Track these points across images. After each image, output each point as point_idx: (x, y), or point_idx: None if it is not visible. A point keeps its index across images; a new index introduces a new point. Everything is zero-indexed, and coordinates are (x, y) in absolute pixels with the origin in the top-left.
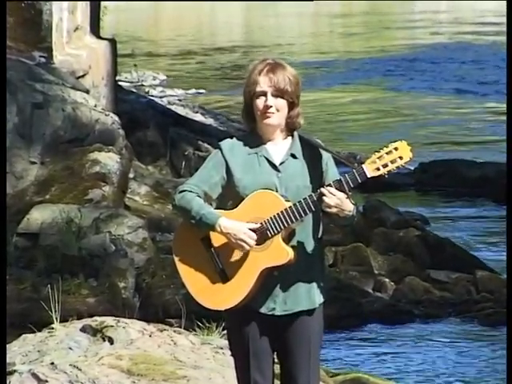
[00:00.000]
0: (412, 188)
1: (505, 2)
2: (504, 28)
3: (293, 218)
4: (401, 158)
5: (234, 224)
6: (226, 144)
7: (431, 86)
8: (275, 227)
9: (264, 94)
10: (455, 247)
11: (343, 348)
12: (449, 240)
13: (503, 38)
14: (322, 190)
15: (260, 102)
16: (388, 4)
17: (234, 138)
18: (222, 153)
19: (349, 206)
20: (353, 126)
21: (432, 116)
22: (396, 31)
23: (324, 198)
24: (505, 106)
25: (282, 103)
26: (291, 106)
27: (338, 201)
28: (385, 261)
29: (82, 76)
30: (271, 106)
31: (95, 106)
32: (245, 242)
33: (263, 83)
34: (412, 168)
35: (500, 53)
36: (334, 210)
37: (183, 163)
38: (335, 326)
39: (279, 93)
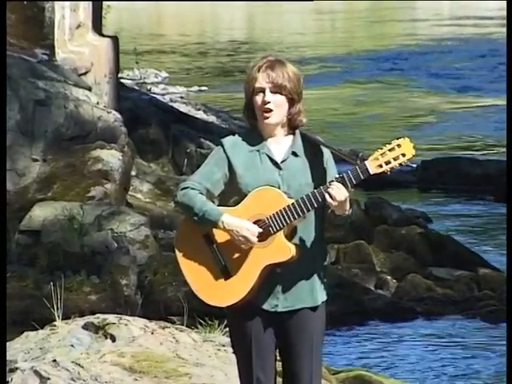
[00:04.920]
0: (414, 185)
1: (505, 2)
2: (504, 21)
3: (295, 215)
4: (403, 155)
5: (236, 221)
6: (227, 141)
7: (434, 83)
8: (278, 223)
9: (262, 90)
10: (457, 245)
11: (345, 345)
12: (451, 237)
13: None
14: (329, 184)
15: (259, 99)
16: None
17: (236, 135)
18: (223, 149)
19: (348, 205)
20: (354, 124)
21: (433, 114)
22: (397, 27)
23: (330, 190)
24: (505, 102)
25: (280, 99)
26: (291, 102)
27: (346, 194)
28: (387, 258)
29: (84, 73)
30: (269, 102)
31: (97, 103)
32: (247, 239)
33: (262, 79)
34: (414, 165)
35: (501, 48)
36: (335, 204)
37: (185, 160)
38: (337, 323)
39: (277, 89)
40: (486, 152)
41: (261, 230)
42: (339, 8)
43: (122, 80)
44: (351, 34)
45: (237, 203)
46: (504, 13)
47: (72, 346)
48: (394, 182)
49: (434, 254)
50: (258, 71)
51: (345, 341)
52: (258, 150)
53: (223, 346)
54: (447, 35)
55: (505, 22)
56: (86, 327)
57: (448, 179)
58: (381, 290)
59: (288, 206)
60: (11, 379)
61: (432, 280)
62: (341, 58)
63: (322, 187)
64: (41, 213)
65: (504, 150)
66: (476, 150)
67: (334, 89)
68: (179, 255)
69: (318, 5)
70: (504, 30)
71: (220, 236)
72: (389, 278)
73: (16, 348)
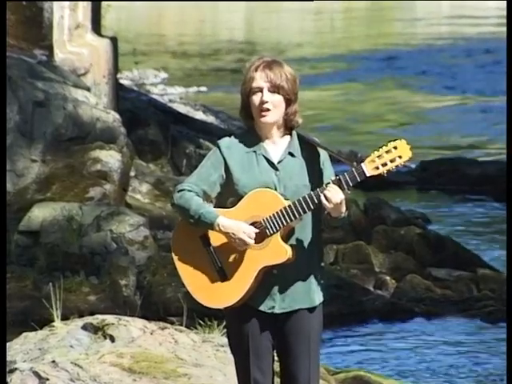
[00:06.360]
0: (413, 186)
1: (504, 2)
2: (502, 20)
3: (292, 217)
4: (400, 156)
5: (232, 223)
6: (224, 142)
7: (433, 82)
8: (274, 225)
9: (260, 89)
10: (456, 245)
11: (344, 346)
12: (450, 238)
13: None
14: (326, 186)
15: (256, 98)
16: None
17: (232, 136)
18: (220, 151)
19: (344, 207)
20: (354, 124)
21: (433, 113)
22: (397, 27)
23: (326, 192)
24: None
25: (278, 99)
26: (288, 102)
27: (342, 197)
28: (386, 258)
29: (84, 74)
30: (267, 102)
31: (96, 104)
32: (244, 241)
33: (259, 79)
34: (413, 166)
35: (500, 48)
36: (331, 206)
37: (184, 161)
38: (336, 324)
39: (275, 88)
40: (485, 152)
41: (257, 231)
42: (338, 8)
43: (120, 80)
44: (350, 34)
45: (234, 204)
46: (502, 12)
47: (71, 346)
48: (393, 182)
49: (433, 255)
50: (256, 71)
51: (344, 341)
52: (254, 151)
53: (222, 346)
54: (446, 35)
55: (503, 21)
56: (85, 328)
57: (447, 179)
58: (380, 290)
59: (285, 208)
60: (10, 380)
61: (431, 280)
62: (340, 57)
63: (318, 189)
64: (40, 213)
65: (497, 149)
66: (476, 150)
67: (333, 89)
68: (176, 256)
69: (318, 5)
70: (502, 29)
71: (217, 238)
72: (388, 278)
73: (15, 349)
